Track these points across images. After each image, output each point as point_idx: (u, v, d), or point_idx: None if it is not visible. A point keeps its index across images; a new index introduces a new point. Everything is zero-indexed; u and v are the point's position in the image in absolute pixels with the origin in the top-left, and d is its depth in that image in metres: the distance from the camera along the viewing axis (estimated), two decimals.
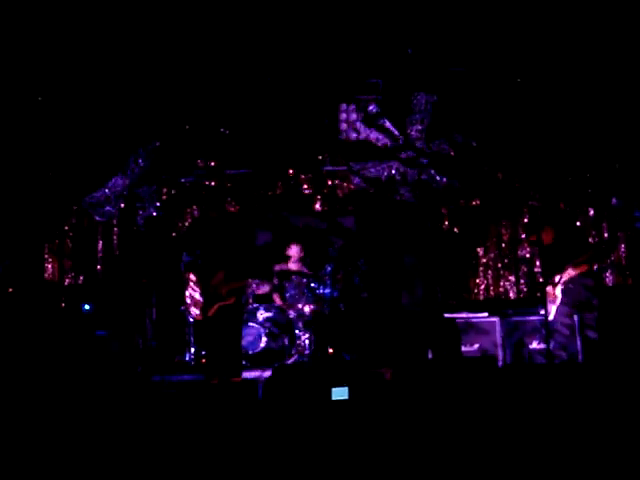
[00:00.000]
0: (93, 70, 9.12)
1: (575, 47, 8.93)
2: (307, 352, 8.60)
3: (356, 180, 9.70)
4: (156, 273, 9.17)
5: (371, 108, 9.57)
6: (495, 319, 8.46)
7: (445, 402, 5.23)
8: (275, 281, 8.93)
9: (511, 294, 10.08)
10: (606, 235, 9.87)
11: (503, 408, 5.13)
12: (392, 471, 4.30)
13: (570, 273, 7.54)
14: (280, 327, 8.66)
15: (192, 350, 8.78)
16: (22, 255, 9.53)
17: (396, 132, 9.60)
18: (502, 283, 10.13)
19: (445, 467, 4.31)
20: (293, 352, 8.61)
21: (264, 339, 8.52)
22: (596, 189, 9.83)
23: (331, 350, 8.62)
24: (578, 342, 7.64)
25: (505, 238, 10.16)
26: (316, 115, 9.71)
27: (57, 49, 8.85)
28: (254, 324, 8.56)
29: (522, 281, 10.06)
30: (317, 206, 10.28)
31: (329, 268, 8.99)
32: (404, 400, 5.30)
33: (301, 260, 9.09)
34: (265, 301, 8.88)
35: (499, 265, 10.15)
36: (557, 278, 7.58)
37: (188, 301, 8.26)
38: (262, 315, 8.72)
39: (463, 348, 8.30)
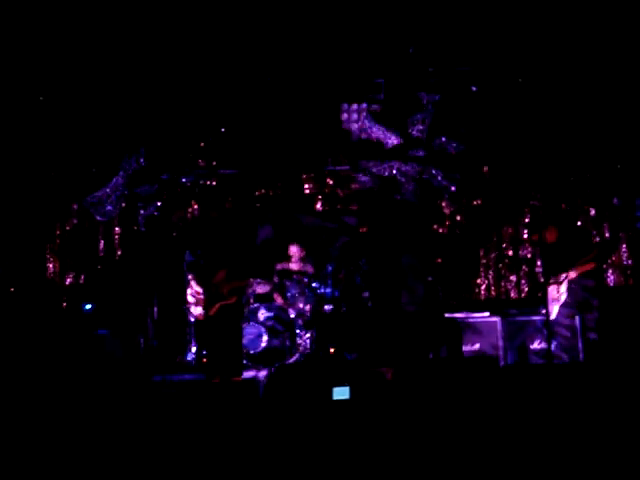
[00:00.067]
0: (95, 70, 9.12)
1: (575, 47, 8.92)
2: (308, 352, 8.60)
3: (363, 178, 9.67)
4: (157, 272, 9.18)
5: (375, 107, 9.57)
6: (496, 319, 8.46)
7: (446, 402, 5.22)
8: (276, 280, 8.93)
9: (512, 294, 10.08)
10: (607, 235, 9.86)
11: (504, 408, 5.13)
12: (393, 471, 4.30)
13: (576, 272, 7.51)
14: (281, 327, 8.66)
15: (193, 350, 8.79)
16: (23, 255, 9.54)
17: (401, 132, 9.59)
18: (503, 283, 10.13)
19: (446, 467, 4.31)
20: (294, 352, 8.61)
21: (265, 338, 8.52)
22: (597, 189, 9.83)
23: (332, 350, 8.62)
24: (579, 343, 7.63)
25: (506, 238, 10.16)
26: (318, 114, 9.70)
27: (58, 49, 8.86)
28: (255, 323, 8.57)
29: (523, 281, 10.06)
30: (318, 206, 10.28)
31: (330, 268, 8.99)
32: (405, 400, 5.30)
33: (302, 260, 9.10)
34: (266, 300, 8.88)
35: (500, 265, 10.14)
36: (562, 277, 7.55)
37: (190, 300, 8.28)
38: (263, 314, 8.72)
39: (464, 348, 8.30)
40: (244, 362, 8.11)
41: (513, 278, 10.08)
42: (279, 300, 8.85)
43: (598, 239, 9.75)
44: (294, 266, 9.05)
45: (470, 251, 10.11)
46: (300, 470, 4.39)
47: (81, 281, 10.04)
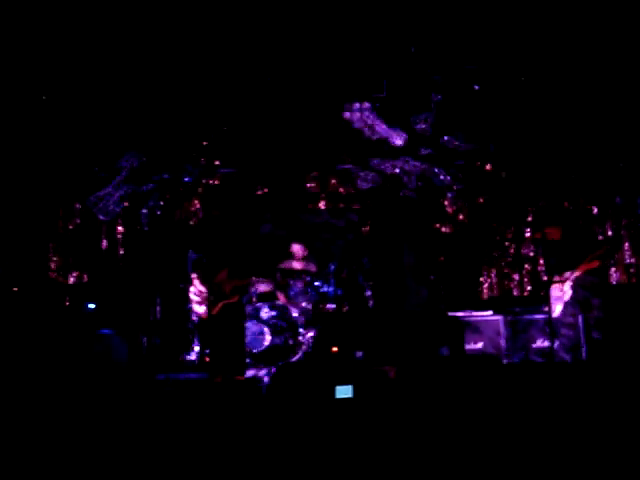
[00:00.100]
0: (99, 69, 9.12)
1: (577, 46, 8.91)
2: (311, 350, 8.61)
3: (370, 176, 9.66)
4: (160, 272, 9.19)
5: (378, 105, 9.57)
6: (499, 317, 8.46)
7: (449, 400, 5.23)
8: (279, 279, 8.94)
9: (515, 292, 10.08)
10: (610, 234, 9.86)
11: (507, 406, 5.13)
12: (396, 469, 4.30)
13: (581, 269, 7.50)
14: (284, 325, 8.67)
15: (196, 348, 8.80)
16: (26, 254, 9.55)
17: (405, 130, 9.58)
18: (506, 282, 10.13)
19: (449, 465, 4.32)
20: (297, 350, 8.62)
21: (268, 337, 8.53)
22: (600, 188, 9.82)
23: (335, 348, 8.63)
24: (582, 342, 7.63)
25: (509, 236, 10.16)
26: (322, 113, 9.69)
27: (60, 49, 8.86)
28: (258, 322, 8.58)
29: (526, 280, 10.06)
30: (321, 204, 10.29)
31: (333, 266, 9.00)
32: (408, 398, 5.30)
33: (305, 258, 9.11)
34: (269, 299, 8.89)
35: (503, 263, 10.15)
36: (567, 274, 7.54)
37: (193, 299, 8.29)
38: (266, 313, 8.73)
39: (467, 346, 8.30)
40: (247, 361, 8.12)
41: (516, 277, 10.08)
42: (282, 299, 8.86)
43: (601, 237, 9.74)
44: (297, 265, 9.05)
45: (473, 250, 10.12)
46: (303, 468, 4.39)
47: (84, 280, 10.06)
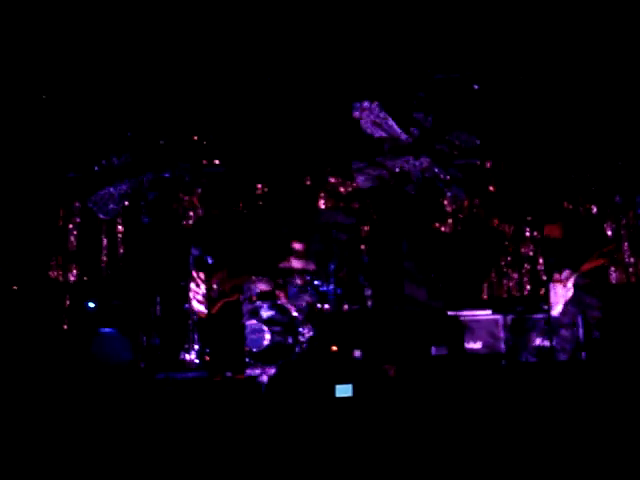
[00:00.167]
0: (99, 69, 9.13)
1: (577, 45, 8.92)
2: (310, 349, 8.61)
3: (371, 175, 9.63)
4: (160, 271, 9.19)
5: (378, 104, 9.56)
6: (498, 316, 8.46)
7: (449, 399, 5.23)
8: (279, 278, 8.94)
9: (514, 292, 10.09)
10: (609, 233, 9.86)
11: (506, 405, 5.14)
12: (396, 468, 4.31)
13: (584, 268, 7.48)
14: (283, 324, 8.67)
15: (196, 347, 8.80)
16: (26, 253, 9.56)
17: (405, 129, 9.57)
18: (505, 281, 10.14)
19: (449, 464, 4.32)
20: (296, 349, 8.62)
21: (267, 336, 8.53)
22: (599, 187, 9.82)
23: (335, 347, 8.63)
24: (581, 341, 7.63)
25: (508, 236, 10.17)
26: (327, 112, 9.69)
27: (60, 50, 8.87)
28: (257, 321, 8.58)
29: (525, 279, 10.07)
30: (321, 203, 10.30)
31: (332, 265, 8.99)
32: (408, 397, 5.31)
33: (304, 257, 9.10)
34: (268, 298, 8.89)
35: (502, 263, 10.15)
36: (568, 273, 7.52)
37: (196, 298, 8.29)
38: (265, 312, 8.73)
39: (466, 345, 8.31)
40: (246, 360, 8.12)
41: (515, 276, 10.09)
42: (281, 298, 8.86)
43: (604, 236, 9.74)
44: (296, 263, 9.05)
45: (473, 249, 10.12)
46: (303, 467, 4.40)
47: (84, 279, 10.07)
